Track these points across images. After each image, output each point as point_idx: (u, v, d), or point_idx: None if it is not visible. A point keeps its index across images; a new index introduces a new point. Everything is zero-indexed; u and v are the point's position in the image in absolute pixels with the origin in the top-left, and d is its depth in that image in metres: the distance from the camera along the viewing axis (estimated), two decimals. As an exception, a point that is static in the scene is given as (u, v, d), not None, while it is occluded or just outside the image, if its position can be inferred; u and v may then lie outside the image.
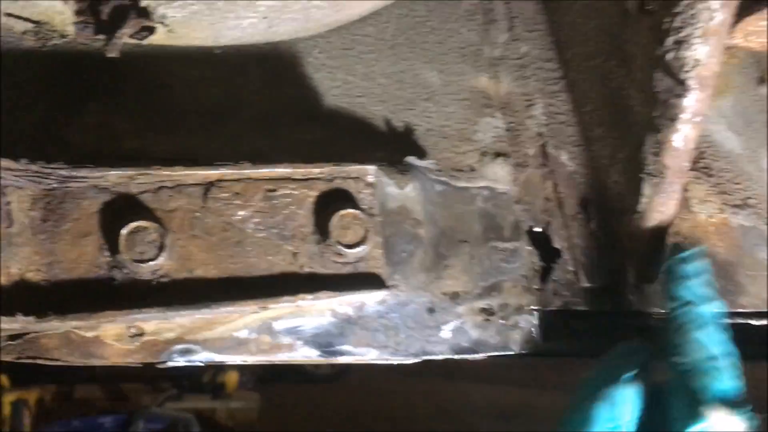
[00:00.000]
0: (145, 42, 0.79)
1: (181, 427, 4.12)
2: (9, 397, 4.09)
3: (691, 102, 0.76)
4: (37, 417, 4.28)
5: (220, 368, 5.98)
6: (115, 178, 0.69)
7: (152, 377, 6.05)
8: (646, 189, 0.81)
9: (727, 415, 0.67)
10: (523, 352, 0.82)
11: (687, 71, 0.75)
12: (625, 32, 0.84)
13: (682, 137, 0.78)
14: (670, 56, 0.76)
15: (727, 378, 0.69)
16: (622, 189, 0.86)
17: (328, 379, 8.56)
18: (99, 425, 3.95)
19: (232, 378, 5.84)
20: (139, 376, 6.23)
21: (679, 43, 0.75)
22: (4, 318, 0.60)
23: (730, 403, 0.68)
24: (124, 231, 0.67)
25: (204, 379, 5.74)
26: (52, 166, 0.66)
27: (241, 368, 6.31)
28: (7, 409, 4.01)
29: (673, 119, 0.77)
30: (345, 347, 0.78)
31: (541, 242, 0.88)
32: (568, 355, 0.94)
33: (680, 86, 0.76)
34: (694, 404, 0.68)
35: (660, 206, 0.82)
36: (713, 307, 0.74)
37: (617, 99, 0.87)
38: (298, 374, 8.12)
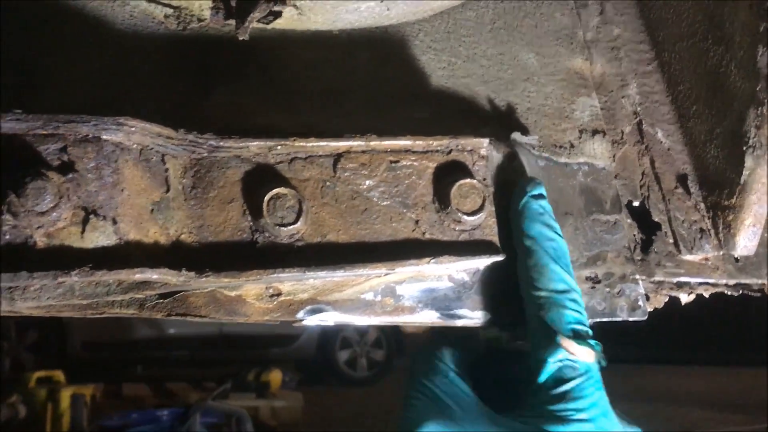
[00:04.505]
0: (269, 26, 0.84)
1: (234, 421, 4.21)
2: (67, 392, 4.24)
3: (796, 75, 0.79)
4: (91, 412, 4.41)
5: (264, 367, 6.07)
6: (256, 148, 0.74)
7: (197, 377, 6.16)
8: (749, 161, 0.84)
9: (579, 345, 0.74)
10: (631, 319, 0.86)
11: (792, 45, 0.78)
12: (723, 11, 0.88)
13: (785, 110, 0.81)
14: (774, 31, 0.79)
15: (576, 310, 0.76)
16: (721, 163, 0.89)
17: (366, 382, 8.59)
18: (157, 418, 4.06)
19: (276, 377, 5.93)
20: (182, 376, 6.35)
21: (784, 19, 0.79)
22: (169, 271, 0.65)
23: (581, 333, 0.75)
24: (266, 197, 0.72)
25: (248, 378, 5.85)
26: (204, 136, 0.71)
27: (285, 368, 6.40)
28: (66, 402, 4.15)
29: (778, 92, 0.80)
30: (462, 311, 0.82)
31: (641, 215, 0.92)
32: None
33: (785, 60, 0.79)
34: (551, 334, 0.75)
35: (762, 178, 0.84)
36: (562, 243, 0.80)
37: (714, 76, 0.90)
38: (338, 377, 8.15)
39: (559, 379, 0.74)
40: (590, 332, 0.76)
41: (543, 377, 0.74)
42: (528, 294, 0.78)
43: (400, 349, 8.49)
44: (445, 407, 0.74)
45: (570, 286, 0.77)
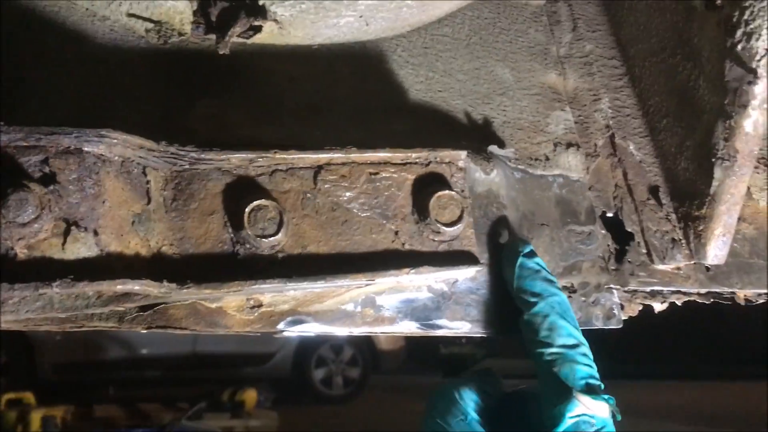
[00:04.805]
0: (249, 41, 0.85)
1: (209, 441, 4.17)
2: (38, 414, 4.15)
3: (762, 89, 0.82)
4: (62, 434, 4.33)
5: (239, 386, 6.01)
6: (237, 160, 0.75)
7: (170, 398, 6.08)
8: (717, 173, 0.87)
9: (593, 399, 0.74)
10: (606, 327, 0.87)
11: (758, 60, 0.81)
12: (692, 27, 0.90)
13: (752, 122, 0.84)
14: (740, 47, 0.82)
15: (587, 364, 0.76)
16: (691, 175, 0.91)
17: (342, 400, 8.54)
18: (130, 439, 4.00)
19: (250, 396, 5.88)
20: (155, 397, 6.26)
21: (749, 35, 0.81)
22: (151, 282, 0.65)
23: (594, 387, 0.75)
24: (247, 208, 0.73)
25: (223, 398, 5.79)
26: (186, 148, 0.72)
27: (260, 387, 6.33)
28: (36, 424, 4.07)
29: (745, 105, 0.83)
30: (441, 321, 0.83)
31: (615, 226, 0.94)
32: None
33: (751, 74, 0.82)
34: (566, 390, 0.74)
35: (731, 189, 0.87)
36: (565, 298, 0.80)
37: (684, 90, 0.92)
38: (313, 395, 8.09)
39: None
40: (602, 386, 0.75)
41: None
42: (537, 351, 0.78)
43: (376, 367, 8.46)
44: None
45: (579, 340, 0.77)
